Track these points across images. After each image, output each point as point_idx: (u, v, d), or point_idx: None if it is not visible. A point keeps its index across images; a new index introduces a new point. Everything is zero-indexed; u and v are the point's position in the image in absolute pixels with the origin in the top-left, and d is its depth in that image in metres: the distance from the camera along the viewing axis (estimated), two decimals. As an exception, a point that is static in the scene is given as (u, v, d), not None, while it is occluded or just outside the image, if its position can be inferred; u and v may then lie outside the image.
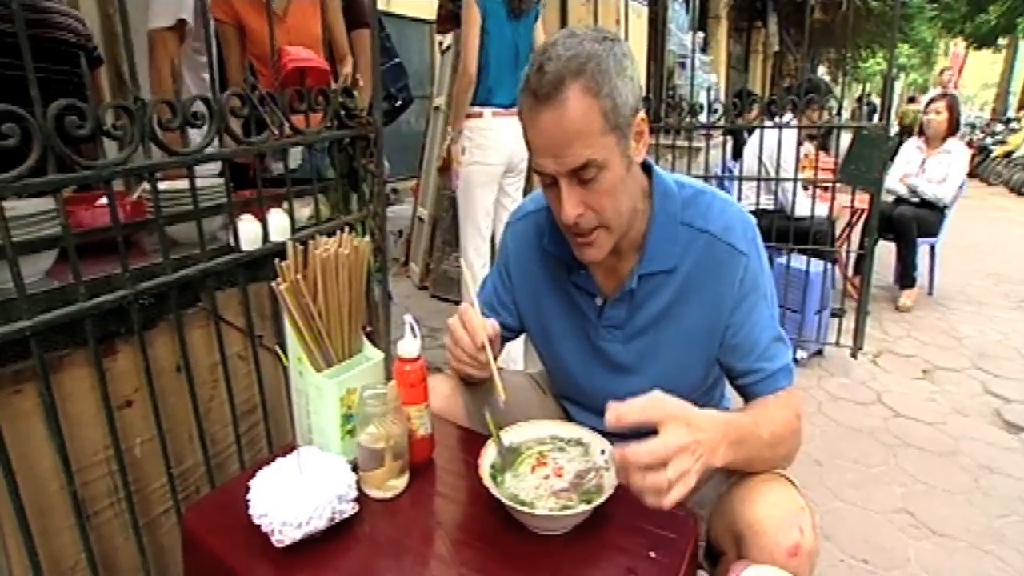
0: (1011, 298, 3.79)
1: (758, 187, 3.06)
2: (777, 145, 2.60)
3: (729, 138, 4.38)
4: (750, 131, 3.08)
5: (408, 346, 0.82)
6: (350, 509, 0.73)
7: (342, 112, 1.39)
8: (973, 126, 11.36)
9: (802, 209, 2.81)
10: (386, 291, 1.68)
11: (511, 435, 0.84)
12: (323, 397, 0.82)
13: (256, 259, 1.20)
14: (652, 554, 0.69)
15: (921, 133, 3.72)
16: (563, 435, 0.85)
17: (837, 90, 2.84)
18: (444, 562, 0.69)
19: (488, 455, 0.79)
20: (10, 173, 0.80)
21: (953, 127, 3.56)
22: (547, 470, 0.78)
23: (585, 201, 0.78)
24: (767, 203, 3.07)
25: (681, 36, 5.48)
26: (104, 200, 1.00)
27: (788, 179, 2.73)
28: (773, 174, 2.87)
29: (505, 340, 1.09)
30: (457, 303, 2.91)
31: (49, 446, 0.91)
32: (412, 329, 0.83)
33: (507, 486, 0.76)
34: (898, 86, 20.66)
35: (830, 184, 2.72)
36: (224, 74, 1.86)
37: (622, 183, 0.79)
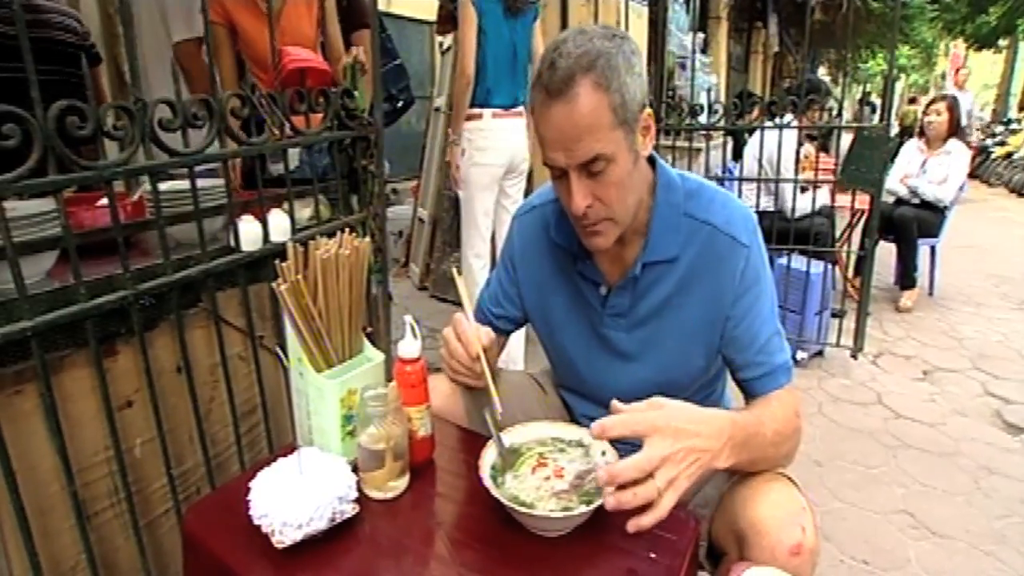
0: (1011, 299, 3.79)
1: (758, 188, 3.06)
2: (777, 147, 2.60)
3: (729, 139, 4.39)
4: (750, 132, 3.08)
5: (408, 347, 0.82)
6: (350, 510, 0.73)
7: (342, 113, 1.40)
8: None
9: (803, 204, 2.81)
10: (386, 291, 1.68)
11: (511, 436, 0.84)
12: (323, 398, 0.82)
13: (256, 260, 1.20)
14: (652, 555, 0.69)
15: (922, 134, 3.72)
16: (564, 436, 0.85)
17: (837, 91, 2.83)
18: (444, 563, 0.69)
19: (488, 456, 0.79)
20: (11, 174, 0.80)
21: (954, 128, 3.56)
22: (547, 471, 0.78)
23: (594, 193, 0.80)
24: (767, 204, 3.07)
25: (681, 37, 5.47)
26: (105, 200, 1.00)
27: (788, 180, 2.73)
28: (772, 175, 2.87)
29: (508, 333, 1.11)
30: (456, 304, 2.91)
31: (49, 446, 0.91)
32: (412, 330, 0.83)
33: (507, 487, 0.76)
34: (898, 87, 20.67)
35: (830, 184, 2.73)
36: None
37: (629, 176, 0.81)
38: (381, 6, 6.11)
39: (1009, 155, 8.93)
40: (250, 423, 1.28)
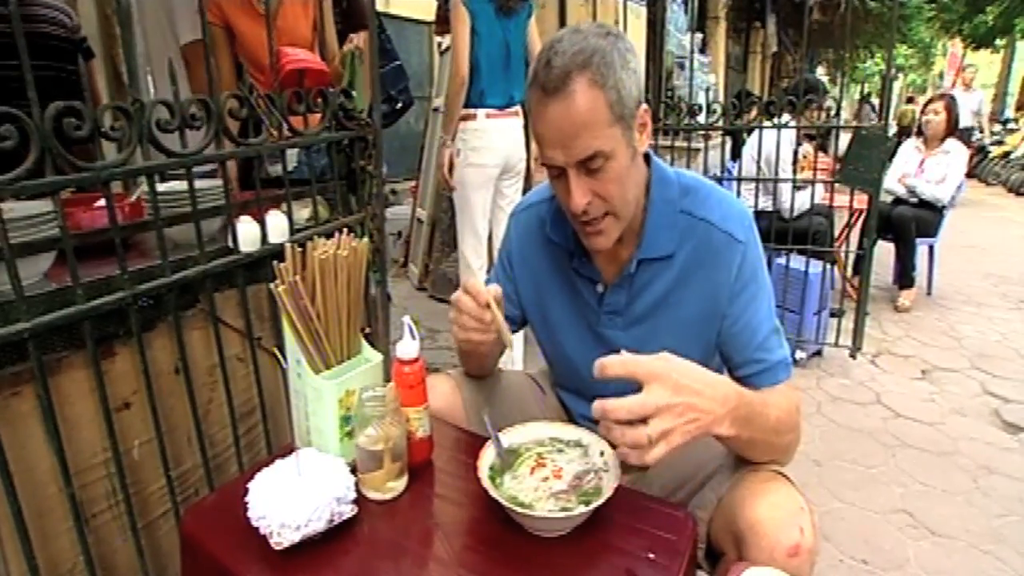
0: (1010, 298, 3.79)
1: (756, 188, 3.06)
2: (775, 147, 2.60)
3: (728, 139, 4.39)
4: (749, 132, 3.08)
5: (407, 347, 0.82)
6: (349, 511, 0.72)
7: (340, 113, 1.39)
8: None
9: (801, 200, 2.81)
10: (385, 292, 1.68)
11: (510, 436, 0.84)
12: (322, 399, 0.82)
13: (255, 260, 1.19)
14: (651, 555, 0.68)
15: (920, 134, 3.72)
16: (562, 437, 0.85)
17: (836, 91, 2.84)
18: (443, 564, 0.69)
19: (487, 456, 0.79)
20: (8, 175, 0.80)
21: (952, 127, 3.56)
22: (546, 472, 0.78)
23: (593, 190, 0.79)
24: (765, 204, 3.07)
25: (680, 37, 5.48)
26: (103, 202, 0.99)
27: (786, 180, 2.73)
28: (770, 175, 2.87)
29: None
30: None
31: (47, 448, 0.91)
32: (411, 330, 0.83)
33: (506, 488, 0.75)
34: (896, 86, 20.70)
35: (828, 184, 2.73)
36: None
37: (627, 172, 0.81)
38: (380, 6, 6.11)
39: (1006, 154, 8.93)
40: (248, 424, 1.28)
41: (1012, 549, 1.62)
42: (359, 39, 1.95)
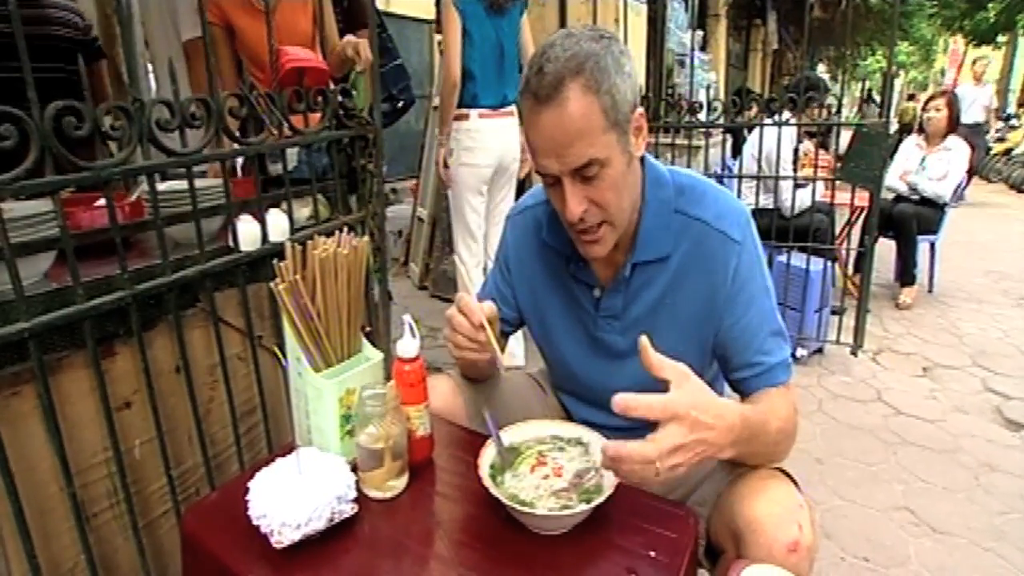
0: (1011, 295, 3.79)
1: (757, 186, 3.06)
2: (776, 144, 2.59)
3: (728, 136, 4.38)
4: (749, 129, 3.08)
5: (407, 346, 0.82)
6: (349, 510, 0.72)
7: (341, 112, 1.39)
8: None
9: (802, 198, 2.81)
10: (386, 291, 1.68)
11: (510, 435, 0.84)
12: (322, 398, 0.82)
13: (255, 259, 1.19)
14: (652, 553, 0.68)
15: (921, 130, 3.71)
16: (563, 434, 0.85)
17: (837, 88, 2.84)
18: (444, 562, 0.69)
19: (487, 455, 0.79)
20: (8, 174, 0.80)
21: (953, 124, 3.55)
22: (547, 470, 0.78)
23: (588, 197, 0.78)
24: (766, 202, 3.07)
25: (680, 34, 5.47)
26: (103, 201, 0.99)
27: (786, 177, 2.73)
28: (771, 173, 2.87)
29: (505, 335, 1.10)
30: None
31: (48, 448, 0.91)
32: (411, 329, 0.83)
33: (507, 486, 0.75)
34: (898, 83, 20.66)
35: (829, 181, 2.72)
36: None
37: (623, 178, 0.80)
38: (380, 6, 6.10)
39: (1008, 151, 8.91)
40: (249, 423, 1.28)
41: (1013, 546, 1.62)
42: (359, 43, 1.96)
